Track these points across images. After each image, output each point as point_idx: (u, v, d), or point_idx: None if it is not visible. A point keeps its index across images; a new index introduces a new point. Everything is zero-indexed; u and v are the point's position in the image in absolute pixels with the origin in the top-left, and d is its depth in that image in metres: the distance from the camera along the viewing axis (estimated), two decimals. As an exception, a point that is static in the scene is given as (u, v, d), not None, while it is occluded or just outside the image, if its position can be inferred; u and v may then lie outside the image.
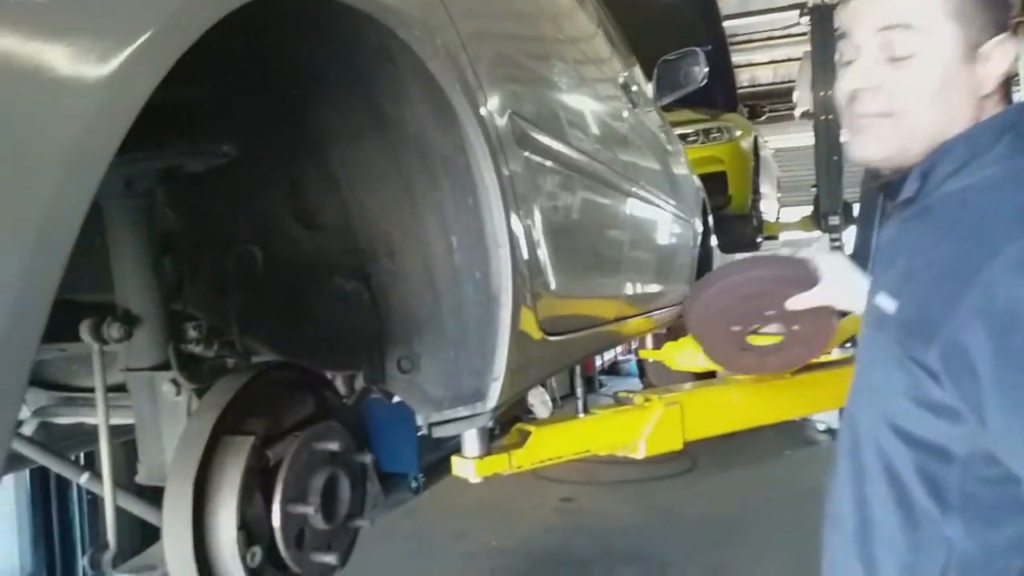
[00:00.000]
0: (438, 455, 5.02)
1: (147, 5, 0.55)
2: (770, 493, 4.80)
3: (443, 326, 1.35)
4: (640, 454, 1.71)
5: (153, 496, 0.99)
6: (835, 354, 2.51)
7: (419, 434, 4.85)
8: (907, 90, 0.91)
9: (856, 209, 5.59)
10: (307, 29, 0.99)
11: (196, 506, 0.82)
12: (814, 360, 2.25)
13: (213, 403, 0.87)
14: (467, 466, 1.53)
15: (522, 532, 4.24)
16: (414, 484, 4.68)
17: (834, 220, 6.36)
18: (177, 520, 0.82)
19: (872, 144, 0.95)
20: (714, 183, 4.80)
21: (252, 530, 0.85)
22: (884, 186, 1.01)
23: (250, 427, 0.88)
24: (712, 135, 5.34)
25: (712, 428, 1.84)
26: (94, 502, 2.94)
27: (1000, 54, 0.90)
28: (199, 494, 0.83)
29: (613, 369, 9.22)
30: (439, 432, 1.37)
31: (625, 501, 4.76)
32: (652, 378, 3.85)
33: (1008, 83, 0.93)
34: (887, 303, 0.90)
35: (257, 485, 0.86)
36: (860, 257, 2.56)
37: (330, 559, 0.95)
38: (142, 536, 1.44)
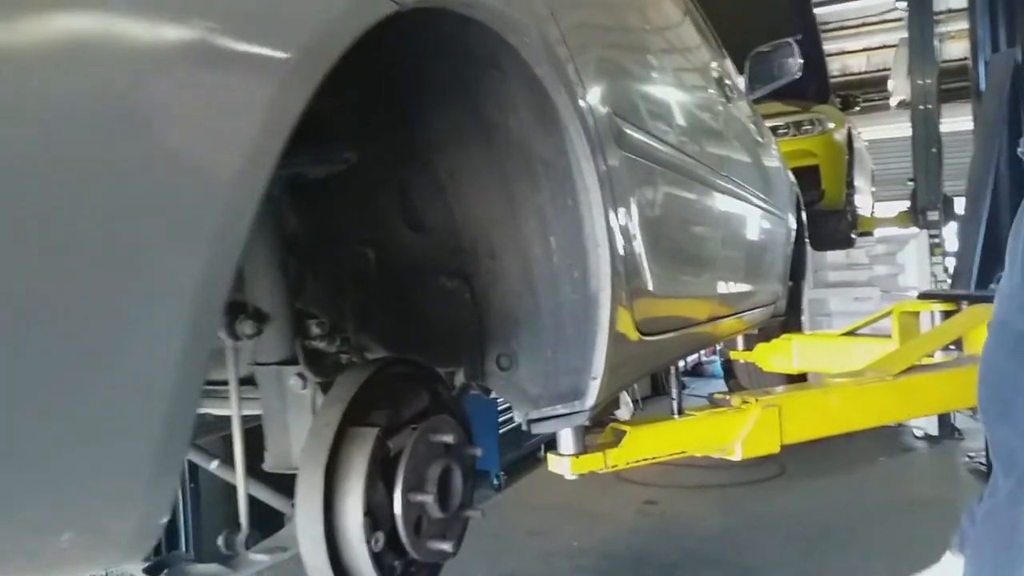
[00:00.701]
0: (518, 453, 5.07)
1: (304, 25, 0.60)
2: (864, 501, 4.63)
3: (541, 325, 1.38)
4: (737, 456, 1.70)
5: (278, 482, 1.06)
6: (937, 356, 2.43)
7: (500, 432, 4.90)
8: None
9: (959, 204, 5.36)
10: (419, 38, 1.03)
11: (326, 493, 0.87)
12: (917, 362, 2.18)
13: (339, 396, 0.92)
14: (563, 463, 1.55)
15: (603, 533, 4.21)
16: (496, 481, 4.73)
17: (933, 215, 6.10)
18: (309, 506, 0.88)
19: None
20: (807, 177, 4.68)
21: (376, 516, 0.90)
22: None
23: (373, 419, 0.93)
24: (804, 127, 5.20)
25: (811, 432, 1.81)
26: (196, 489, 3.10)
27: None
28: (329, 482, 0.88)
29: (696, 371, 9.10)
30: (537, 428, 1.40)
31: (710, 505, 4.67)
32: (742, 379, 3.78)
33: None
34: None
35: (380, 474, 0.91)
36: (965, 258, 2.47)
37: (446, 546, 0.99)
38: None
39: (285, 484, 1.00)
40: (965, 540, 0.95)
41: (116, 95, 0.50)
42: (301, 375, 1.05)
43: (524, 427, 1.40)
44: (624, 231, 1.34)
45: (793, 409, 1.76)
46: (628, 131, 1.39)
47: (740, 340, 3.00)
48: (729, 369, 6.19)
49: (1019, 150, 0.74)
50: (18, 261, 0.46)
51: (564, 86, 1.11)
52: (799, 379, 3.55)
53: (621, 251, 1.33)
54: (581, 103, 1.17)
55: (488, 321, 1.42)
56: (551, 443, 1.61)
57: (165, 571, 0.98)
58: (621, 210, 1.33)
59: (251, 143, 0.57)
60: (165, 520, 0.55)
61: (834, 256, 6.23)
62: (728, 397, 1.75)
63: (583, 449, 1.56)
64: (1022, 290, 0.92)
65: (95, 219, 0.50)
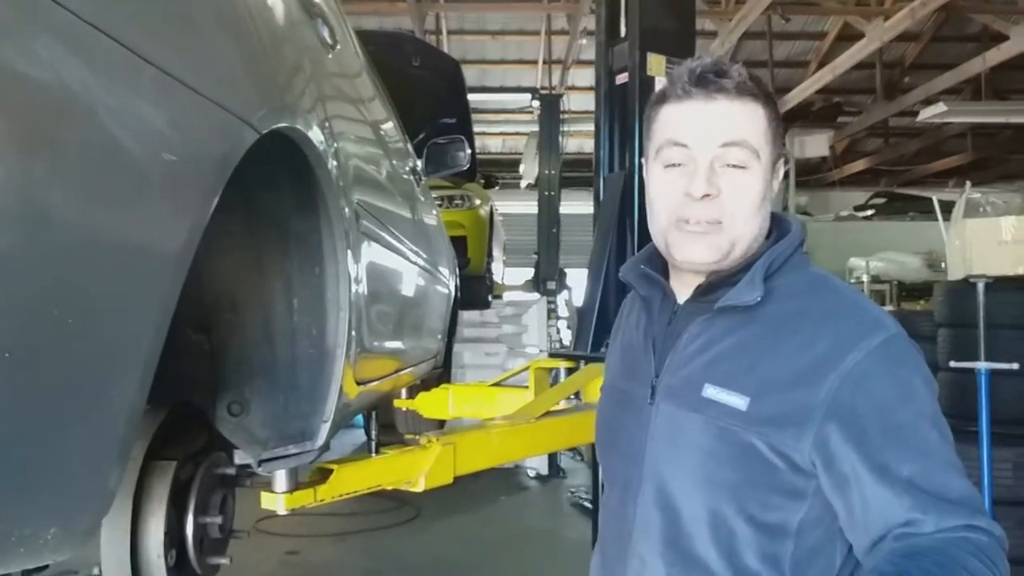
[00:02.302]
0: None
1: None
2: (489, 536, 5.09)
3: (276, 375, 1.56)
4: (420, 487, 2.01)
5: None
6: (562, 404, 3.00)
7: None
8: (740, 199, 0.99)
9: (571, 277, 6.43)
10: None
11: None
12: (553, 408, 2.72)
13: (141, 434, 1.04)
14: (278, 500, 1.71)
15: None
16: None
17: (551, 285, 7.24)
18: (116, 526, 0.98)
19: (705, 250, 1.00)
20: (457, 246, 5.27)
21: (169, 536, 1.04)
22: (650, 281, 1.10)
23: (170, 454, 1.07)
24: (455, 202, 5.89)
25: (478, 464, 2.20)
26: None
27: (780, 174, 1.05)
28: (135, 506, 1.00)
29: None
30: (268, 468, 1.57)
31: (352, 552, 4.80)
32: (400, 427, 4.14)
33: None
34: (728, 397, 0.97)
35: (172, 501, 1.05)
36: (584, 326, 3.11)
37: (223, 560, 1.15)
38: None
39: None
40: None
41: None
42: None
43: (255, 467, 1.55)
44: (358, 297, 1.61)
45: (465, 446, 2.14)
46: (364, 218, 1.67)
47: (404, 391, 3.36)
48: (369, 417, 6.52)
49: (620, 275, 1.03)
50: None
51: (332, 182, 1.37)
52: (440, 424, 4.01)
53: (355, 314, 1.59)
54: (340, 196, 1.43)
55: (224, 370, 1.56)
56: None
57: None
58: (357, 280, 1.60)
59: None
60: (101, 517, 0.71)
61: (469, 315, 6.95)
62: (416, 437, 2.07)
63: (295, 486, 1.75)
64: (619, 363, 1.19)
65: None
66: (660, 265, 1.12)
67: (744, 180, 0.99)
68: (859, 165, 13.02)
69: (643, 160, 1.15)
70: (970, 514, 0.91)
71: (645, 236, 2.78)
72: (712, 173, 0.99)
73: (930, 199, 9.13)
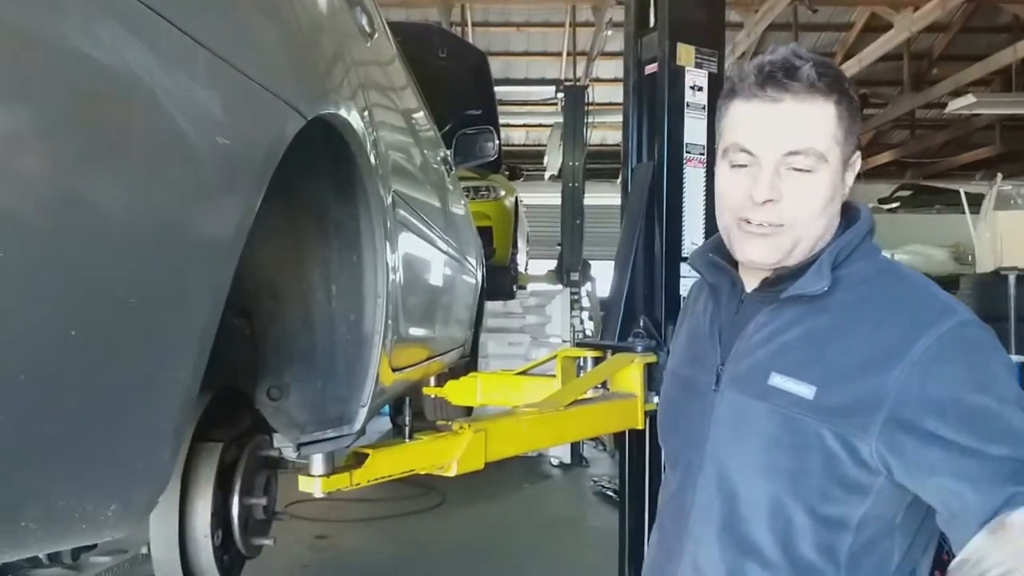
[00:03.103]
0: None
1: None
2: (514, 523, 5.17)
3: (315, 361, 1.59)
4: (453, 472, 2.03)
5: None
6: (590, 393, 3.01)
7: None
8: (805, 204, 0.98)
9: (595, 268, 6.42)
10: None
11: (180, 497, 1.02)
12: (580, 397, 2.73)
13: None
14: (315, 483, 1.74)
15: (275, 570, 4.22)
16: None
17: (574, 276, 7.24)
18: (165, 508, 1.01)
19: (765, 250, 1.01)
20: (482, 237, 5.30)
21: (215, 517, 1.07)
22: (719, 269, 1.10)
23: (216, 436, 1.09)
24: (481, 193, 5.91)
25: (508, 450, 2.22)
26: None
27: (856, 163, 1.04)
28: (183, 488, 1.03)
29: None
30: (307, 451, 1.60)
31: (379, 537, 4.88)
32: (429, 413, 4.17)
33: None
34: (795, 386, 0.96)
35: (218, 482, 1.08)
36: (611, 316, 3.12)
37: (267, 541, 1.18)
38: None
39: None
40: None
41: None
42: None
43: (294, 451, 1.58)
44: (394, 285, 1.63)
45: (496, 433, 2.15)
46: (400, 207, 1.69)
47: (432, 379, 3.38)
48: (399, 408, 6.60)
49: (689, 261, 1.02)
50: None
51: (371, 170, 1.39)
52: (468, 412, 4.04)
53: (392, 302, 1.61)
54: (379, 183, 1.45)
55: (263, 355, 1.59)
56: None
57: (9, 574, 1.02)
58: (393, 268, 1.62)
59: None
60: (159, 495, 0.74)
61: (493, 305, 6.98)
62: (448, 423, 2.09)
63: (332, 470, 1.78)
64: (684, 349, 1.20)
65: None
66: (727, 255, 1.11)
67: (809, 184, 0.99)
68: (884, 157, 12.87)
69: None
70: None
71: (673, 227, 2.79)
72: (776, 177, 0.99)
73: (957, 192, 9.03)
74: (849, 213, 1.06)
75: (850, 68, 8.90)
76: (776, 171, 0.99)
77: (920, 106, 10.58)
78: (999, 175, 7.25)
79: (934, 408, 0.91)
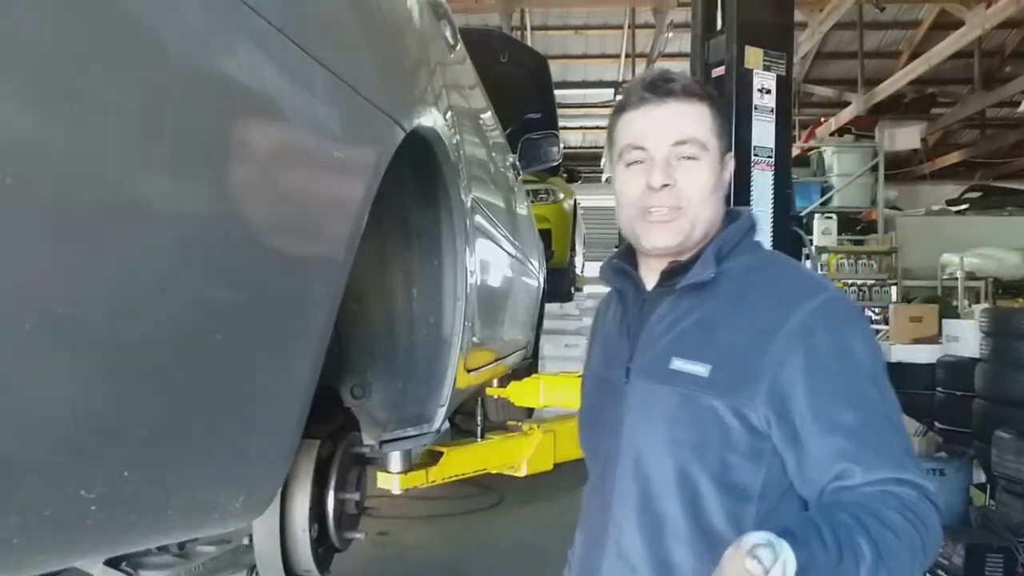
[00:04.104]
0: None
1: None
2: (570, 523, 5.16)
3: (396, 361, 1.64)
4: (523, 472, 2.08)
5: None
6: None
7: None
8: (695, 187, 1.10)
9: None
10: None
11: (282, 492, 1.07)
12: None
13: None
14: (392, 480, 1.80)
15: (339, 566, 4.30)
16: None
17: (633, 278, 7.20)
18: None
19: (667, 234, 1.11)
20: (542, 240, 5.33)
21: (311, 511, 1.12)
22: (624, 275, 1.19)
23: (313, 433, 1.15)
24: (540, 196, 5.94)
25: (576, 452, 2.26)
26: None
27: (729, 165, 1.17)
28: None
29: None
30: (388, 448, 1.65)
31: (439, 534, 4.87)
32: (491, 414, 4.22)
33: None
34: (692, 367, 1.05)
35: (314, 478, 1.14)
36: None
37: (359, 535, 1.23)
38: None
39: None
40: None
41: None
42: None
43: (377, 447, 1.64)
44: (472, 288, 1.67)
45: (564, 434, 2.19)
46: (477, 212, 1.73)
47: (495, 379, 3.43)
48: (475, 403, 6.64)
49: (598, 273, 1.13)
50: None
51: (456, 178, 1.43)
52: (529, 413, 4.07)
53: (469, 305, 1.65)
54: (462, 190, 1.50)
55: (348, 355, 1.65)
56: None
57: (124, 562, 1.09)
58: (471, 272, 1.66)
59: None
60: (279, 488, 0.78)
61: (550, 307, 6.99)
62: (520, 424, 2.13)
63: (409, 467, 1.83)
64: (599, 355, 1.26)
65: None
66: (631, 261, 1.23)
67: (696, 169, 1.11)
68: (952, 158, 12.50)
69: (606, 164, 1.24)
70: (899, 468, 0.98)
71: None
72: (668, 166, 1.11)
73: (1031, 193, 8.73)
74: (732, 215, 1.18)
75: (918, 67, 8.69)
76: (667, 161, 1.11)
77: (991, 105, 10.25)
78: (1076, 176, 6.98)
79: (803, 375, 1.00)
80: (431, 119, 1.25)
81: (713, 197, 1.13)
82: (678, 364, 1.07)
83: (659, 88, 1.12)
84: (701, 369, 1.05)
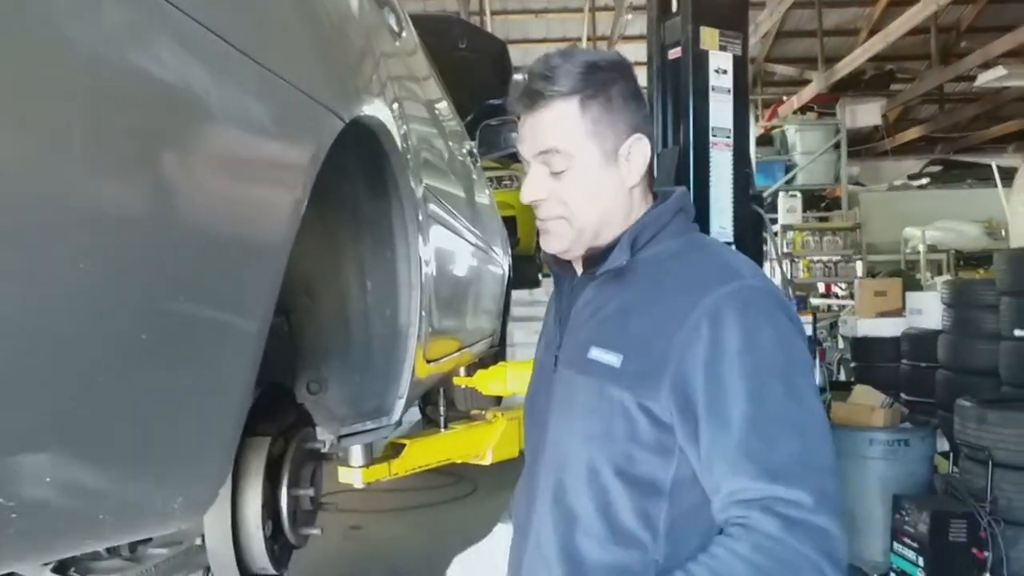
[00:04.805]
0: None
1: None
2: None
3: (351, 355, 1.63)
4: (488, 460, 2.08)
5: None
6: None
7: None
8: (570, 197, 1.06)
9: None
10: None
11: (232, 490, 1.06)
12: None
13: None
14: (354, 474, 1.79)
15: (310, 561, 4.23)
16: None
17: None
18: (219, 501, 1.05)
19: (555, 240, 1.10)
20: (506, 227, 5.31)
21: (265, 508, 1.11)
22: (560, 263, 1.16)
23: (264, 430, 1.13)
24: (504, 183, 5.92)
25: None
26: None
27: (637, 151, 1.07)
28: (234, 481, 1.07)
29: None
30: (347, 443, 1.64)
31: (412, 526, 4.79)
32: (459, 403, 4.21)
33: (652, 168, 1.12)
34: (606, 356, 1.02)
35: (266, 475, 1.12)
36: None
37: (315, 531, 1.23)
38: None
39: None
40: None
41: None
42: None
43: (335, 442, 1.63)
44: (427, 278, 1.66)
45: (530, 422, 2.19)
46: (431, 201, 1.72)
47: (462, 369, 3.42)
48: (428, 398, 6.64)
49: (541, 256, 1.13)
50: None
51: (404, 167, 1.42)
52: (498, 401, 4.07)
53: (426, 295, 1.64)
54: (411, 179, 1.48)
55: (302, 350, 1.63)
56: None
57: (72, 568, 1.07)
58: (426, 261, 1.65)
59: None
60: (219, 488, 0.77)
61: (519, 294, 6.98)
62: (483, 412, 2.13)
63: (371, 461, 1.82)
64: (542, 340, 1.25)
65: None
66: None
67: (567, 180, 1.05)
68: (913, 133, 12.67)
69: None
70: (772, 479, 0.91)
71: (700, 210, 2.78)
72: (540, 178, 1.07)
73: (989, 166, 8.87)
74: (662, 198, 1.13)
75: (876, 44, 8.78)
76: (539, 172, 1.07)
77: (949, 80, 10.39)
78: (1032, 148, 7.11)
79: (702, 367, 0.96)
80: (374, 108, 1.23)
81: (599, 202, 1.07)
82: (595, 353, 1.04)
83: (529, 94, 1.06)
84: (614, 359, 1.01)
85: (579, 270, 1.15)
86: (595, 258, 1.10)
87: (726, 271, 1.03)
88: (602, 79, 1.06)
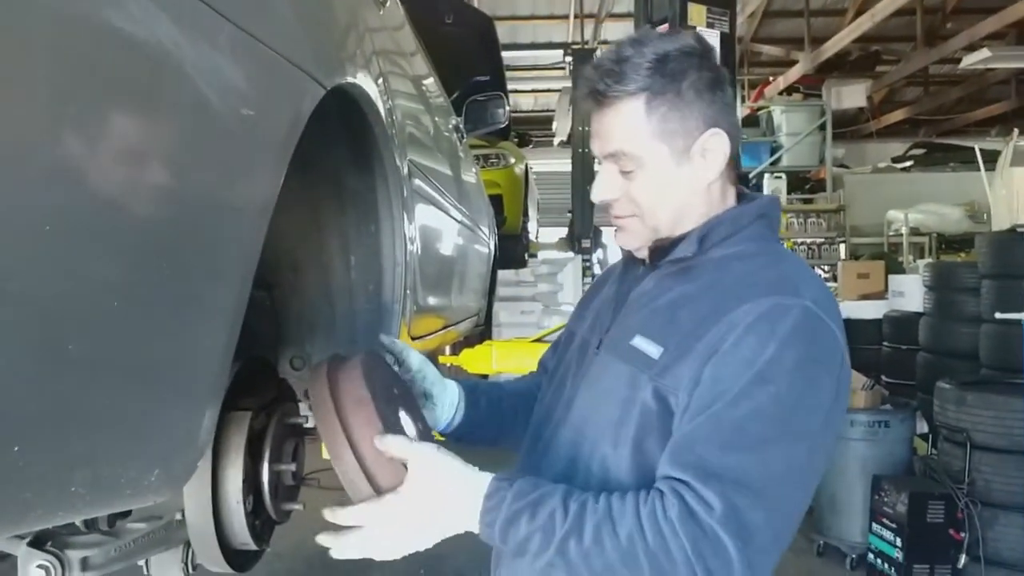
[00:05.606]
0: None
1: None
2: None
3: (335, 330, 1.61)
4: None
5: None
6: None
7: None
8: (641, 197, 1.04)
9: (607, 235, 6.40)
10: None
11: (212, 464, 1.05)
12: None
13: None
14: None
15: (296, 537, 4.23)
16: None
17: (586, 243, 7.24)
18: (199, 475, 1.03)
19: (630, 238, 1.09)
20: (492, 205, 5.29)
21: (246, 483, 1.10)
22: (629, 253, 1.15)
23: (245, 404, 1.12)
24: (491, 160, 5.89)
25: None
26: None
27: (714, 146, 1.03)
28: (214, 456, 1.05)
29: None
30: (330, 420, 1.62)
31: None
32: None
33: (737, 161, 1.08)
34: (648, 347, 1.01)
35: (248, 449, 1.11)
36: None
37: (297, 506, 1.21)
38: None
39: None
40: None
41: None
42: None
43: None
44: (412, 254, 1.64)
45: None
46: (416, 176, 1.69)
47: (447, 347, 3.42)
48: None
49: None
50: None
51: (388, 140, 1.39)
52: (483, 379, 4.08)
53: (410, 271, 1.62)
54: (396, 153, 1.46)
55: (286, 325, 1.61)
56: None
57: (49, 542, 1.05)
58: (411, 238, 1.63)
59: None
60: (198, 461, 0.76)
61: (505, 274, 6.98)
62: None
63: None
64: (590, 315, 1.22)
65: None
66: None
67: (638, 181, 1.04)
68: (897, 115, 12.72)
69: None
70: (697, 478, 0.90)
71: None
72: (611, 177, 1.06)
73: (972, 149, 8.92)
74: (745, 200, 1.11)
75: (863, 24, 8.78)
76: (609, 171, 1.06)
77: (934, 62, 10.42)
78: (1015, 131, 7.16)
79: (711, 367, 0.94)
80: (357, 77, 1.20)
81: (671, 203, 1.05)
82: (638, 342, 1.02)
83: (596, 92, 1.03)
84: (654, 350, 1.00)
85: (647, 259, 1.13)
86: (663, 249, 1.08)
87: (782, 284, 0.99)
88: (672, 72, 1.01)
